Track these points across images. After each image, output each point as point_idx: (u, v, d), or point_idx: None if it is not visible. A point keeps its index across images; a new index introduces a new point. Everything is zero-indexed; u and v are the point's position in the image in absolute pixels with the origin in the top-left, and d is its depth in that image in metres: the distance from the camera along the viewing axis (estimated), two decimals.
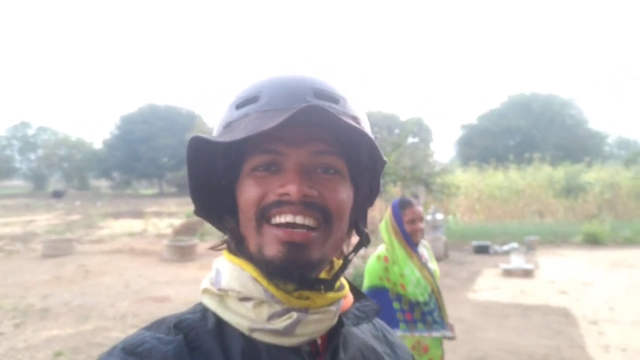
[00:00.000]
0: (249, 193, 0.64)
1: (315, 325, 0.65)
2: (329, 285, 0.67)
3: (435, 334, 2.55)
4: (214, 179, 0.69)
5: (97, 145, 46.40)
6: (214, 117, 0.70)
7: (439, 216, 10.69)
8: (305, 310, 0.64)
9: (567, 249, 11.93)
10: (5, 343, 5.28)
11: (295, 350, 0.64)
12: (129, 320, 6.11)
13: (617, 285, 7.90)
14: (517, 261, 9.25)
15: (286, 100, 0.62)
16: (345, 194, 0.66)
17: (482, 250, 11.51)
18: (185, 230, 14.28)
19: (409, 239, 2.59)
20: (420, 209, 2.62)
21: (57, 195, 34.97)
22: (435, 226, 10.53)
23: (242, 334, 0.63)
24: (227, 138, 0.60)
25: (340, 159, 0.66)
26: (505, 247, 11.39)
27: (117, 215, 20.93)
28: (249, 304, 0.64)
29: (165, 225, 16.37)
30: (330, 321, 0.67)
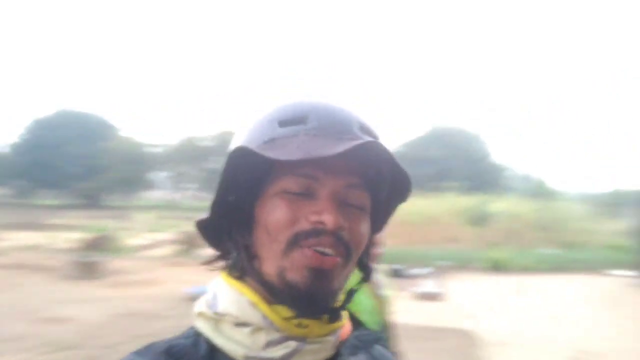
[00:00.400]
0: (279, 214, 0.62)
1: (312, 356, 0.63)
2: (335, 314, 0.66)
3: None
4: (236, 193, 0.67)
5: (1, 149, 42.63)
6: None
7: None
8: (303, 339, 0.62)
9: (475, 274, 12.61)
10: None
11: None
12: (23, 343, 5.56)
13: (521, 310, 8.46)
14: (428, 285, 9.62)
15: (336, 129, 0.62)
16: (366, 229, 0.66)
17: (395, 274, 11.85)
18: (93, 245, 13.40)
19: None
20: (383, 233, 2.56)
21: None
22: None
23: None
24: (281, 155, 0.58)
25: (367, 194, 0.67)
26: (417, 271, 11.82)
27: (12, 227, 19.19)
28: (246, 330, 0.62)
29: (68, 239, 15.24)
30: (327, 351, 0.66)
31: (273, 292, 0.63)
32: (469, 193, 21.69)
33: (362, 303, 2.64)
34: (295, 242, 0.61)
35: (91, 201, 38.50)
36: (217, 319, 0.64)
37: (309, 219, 0.61)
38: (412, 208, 19.19)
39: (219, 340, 0.63)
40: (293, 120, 0.64)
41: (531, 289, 10.51)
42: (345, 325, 0.71)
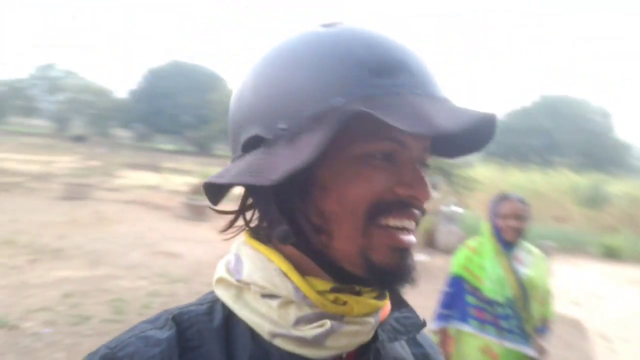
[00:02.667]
0: (363, 185, 0.51)
1: (349, 338, 0.55)
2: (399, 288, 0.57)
3: (508, 344, 2.36)
4: None
5: (121, 95, 46.63)
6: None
7: (457, 209, 10.52)
8: (340, 318, 0.54)
9: (584, 259, 11.73)
10: (19, 277, 5.33)
11: None
12: (140, 271, 6.13)
13: (633, 303, 7.74)
14: None
15: (432, 87, 0.53)
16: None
17: None
18: (201, 190, 14.31)
19: (499, 234, 2.45)
20: (520, 205, 2.43)
21: (79, 139, 35.35)
22: (451, 219, 10.39)
23: (252, 337, 0.54)
24: (402, 123, 0.46)
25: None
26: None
27: (135, 167, 21.09)
28: (274, 303, 0.54)
29: (181, 182, 16.44)
30: (366, 335, 0.57)
31: (329, 267, 0.54)
32: (583, 170, 19.93)
33: (488, 270, 2.49)
34: (375, 217, 0.52)
35: (202, 149, 41.05)
36: (240, 287, 0.56)
37: (395, 191, 0.52)
38: (516, 181, 18.15)
39: (242, 312, 0.55)
40: (390, 70, 0.51)
41: None
42: (386, 306, 0.61)
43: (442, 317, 2.61)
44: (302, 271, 0.54)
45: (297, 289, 0.53)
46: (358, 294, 0.56)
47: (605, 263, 11.45)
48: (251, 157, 0.52)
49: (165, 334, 0.52)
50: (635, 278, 9.86)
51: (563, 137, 35.57)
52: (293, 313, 0.53)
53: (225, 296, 0.57)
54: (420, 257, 8.97)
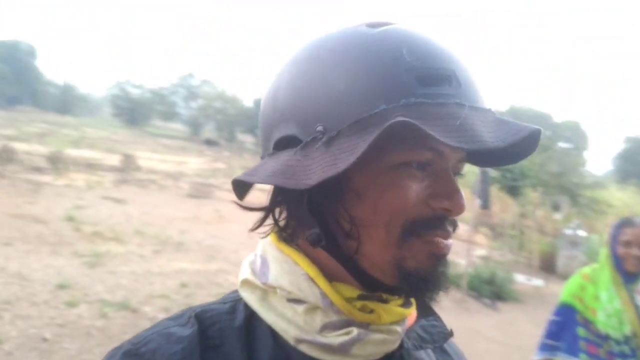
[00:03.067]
0: (400, 195, 0.50)
1: (375, 347, 0.53)
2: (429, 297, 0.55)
3: None
4: None
5: (248, 103, 49.91)
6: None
7: (581, 233, 9.63)
8: (366, 325, 0.53)
9: None
10: (144, 265, 5.99)
11: None
12: None
13: None
14: None
15: (478, 96, 0.51)
16: None
17: None
18: None
19: (619, 263, 2.24)
20: None
21: (210, 143, 38.43)
22: (573, 242, 9.53)
23: (274, 339, 0.53)
24: (446, 136, 0.44)
25: None
26: None
27: None
28: (300, 308, 0.53)
29: None
30: (393, 343, 0.55)
31: (370, 280, 0.53)
32: None
33: (604, 302, 2.32)
34: (413, 229, 0.50)
35: None
36: (265, 290, 0.55)
37: (431, 205, 0.51)
38: None
39: (268, 316, 0.54)
40: (437, 78, 0.49)
41: None
42: (412, 313, 0.59)
43: (546, 347, 2.44)
44: (329, 276, 0.53)
45: (324, 295, 0.52)
46: (385, 301, 0.54)
47: None
48: (285, 157, 0.51)
49: (187, 331, 0.52)
50: None
51: None
52: (319, 319, 0.52)
53: (251, 299, 0.56)
54: (535, 282, 8.36)
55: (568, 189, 9.84)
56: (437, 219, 0.51)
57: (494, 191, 9.41)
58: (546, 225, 10.65)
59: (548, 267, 9.57)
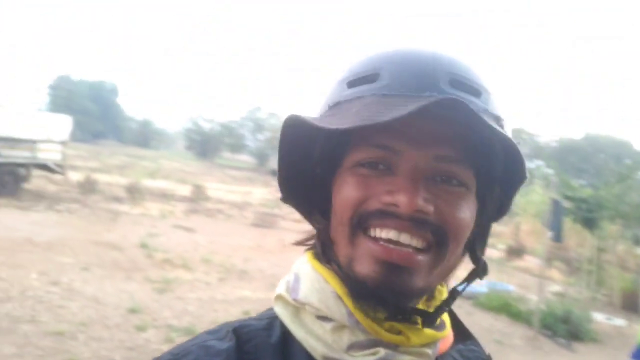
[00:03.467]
0: (346, 192, 0.52)
1: None
2: (430, 319, 0.54)
3: None
4: (309, 165, 0.58)
5: None
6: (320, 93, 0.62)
7: None
8: (395, 347, 0.52)
9: None
10: (209, 292, 6.17)
11: None
12: None
13: None
14: None
15: (414, 86, 0.50)
16: (468, 212, 0.53)
17: None
18: None
19: None
20: None
21: (275, 174, 39.40)
22: None
23: (307, 356, 0.53)
24: (332, 123, 0.49)
25: (468, 168, 0.52)
26: None
27: None
28: (328, 326, 0.53)
29: None
30: None
31: (347, 285, 0.53)
32: None
33: None
34: (359, 226, 0.51)
35: None
36: (297, 306, 0.56)
37: (380, 199, 0.50)
38: None
39: (298, 332, 0.54)
40: (363, 79, 0.53)
41: None
42: (447, 336, 0.57)
43: None
44: (357, 296, 0.53)
45: (350, 314, 0.52)
46: (414, 324, 0.54)
47: None
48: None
49: (225, 344, 0.53)
50: None
51: None
52: (347, 338, 0.52)
53: (283, 314, 0.57)
54: (616, 321, 7.73)
55: None
56: (383, 212, 0.50)
57: (568, 223, 8.88)
58: (628, 261, 9.88)
59: (630, 305, 8.82)
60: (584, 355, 5.84)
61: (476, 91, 0.52)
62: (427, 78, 0.51)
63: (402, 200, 0.48)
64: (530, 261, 11.91)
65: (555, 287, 8.97)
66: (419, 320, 0.54)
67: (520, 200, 17.71)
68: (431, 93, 0.49)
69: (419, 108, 0.44)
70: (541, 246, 8.09)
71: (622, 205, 8.88)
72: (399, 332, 0.53)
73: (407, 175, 0.50)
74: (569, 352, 6.07)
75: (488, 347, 0.62)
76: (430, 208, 0.49)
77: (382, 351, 0.51)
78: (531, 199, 15.74)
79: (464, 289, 0.59)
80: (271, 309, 0.60)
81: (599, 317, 7.13)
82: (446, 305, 0.57)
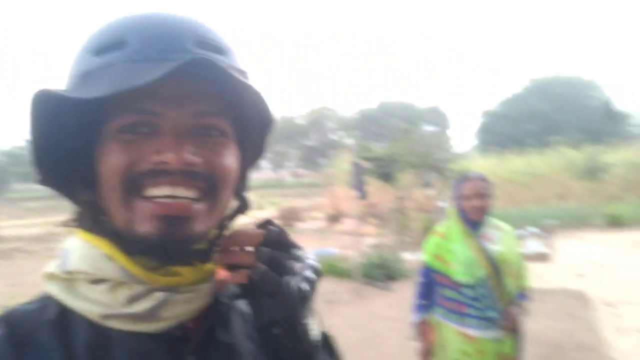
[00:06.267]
0: (113, 160, 0.53)
1: (185, 305, 0.55)
2: (204, 256, 0.58)
3: (472, 332, 2.33)
4: (65, 140, 0.57)
5: None
6: (67, 65, 0.59)
7: None
8: (173, 288, 0.55)
9: (588, 231, 11.61)
10: None
11: (159, 337, 0.54)
12: None
13: (637, 267, 7.62)
14: (533, 245, 9.01)
15: (162, 48, 0.52)
16: (232, 159, 0.58)
17: None
18: None
19: (464, 216, 2.42)
20: (481, 183, 2.40)
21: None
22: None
23: (91, 324, 0.53)
24: (87, 93, 0.49)
25: (226, 119, 0.57)
26: (524, 232, 11.10)
27: None
28: (103, 287, 0.53)
29: None
30: (202, 300, 0.58)
31: (128, 245, 0.54)
32: (582, 146, 19.78)
33: (458, 253, 2.44)
34: (131, 188, 0.53)
35: None
36: (69, 278, 0.55)
37: (149, 160, 0.52)
38: (515, 168, 18.05)
39: (73, 303, 0.54)
40: (110, 46, 0.53)
41: None
42: (221, 272, 0.61)
43: (420, 308, 2.55)
44: (129, 252, 0.54)
45: (124, 269, 0.53)
46: (188, 264, 0.56)
47: (609, 232, 11.32)
48: None
49: None
50: (638, 242, 9.73)
51: (558, 117, 35.42)
52: (124, 293, 0.53)
53: (55, 290, 0.55)
54: (420, 256, 8.87)
55: (434, 166, 10.65)
56: (154, 171, 0.52)
57: (370, 181, 9.86)
58: (424, 203, 11.39)
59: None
60: (399, 291, 6.59)
61: (221, 50, 0.57)
62: (175, 40, 0.53)
63: (170, 157, 0.51)
64: (348, 223, 12.96)
65: (371, 240, 9.92)
66: (195, 260, 0.57)
67: (332, 170, 19.12)
68: (180, 55, 0.52)
69: (170, 70, 0.47)
70: (355, 208, 8.85)
71: (410, 157, 10.19)
72: (175, 274, 0.55)
73: (171, 134, 0.53)
74: (388, 292, 6.80)
75: (320, 308, 0.64)
76: (198, 160, 0.53)
77: (160, 295, 0.53)
78: (341, 167, 17.00)
79: (230, 222, 0.63)
80: (43, 293, 0.58)
81: (407, 256, 8.08)
82: (218, 239, 0.60)
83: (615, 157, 17.66)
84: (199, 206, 0.54)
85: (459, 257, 2.39)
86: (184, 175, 0.52)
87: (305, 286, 0.55)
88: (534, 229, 10.71)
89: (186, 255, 0.56)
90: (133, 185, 0.52)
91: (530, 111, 36.26)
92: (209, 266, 0.58)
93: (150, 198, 0.52)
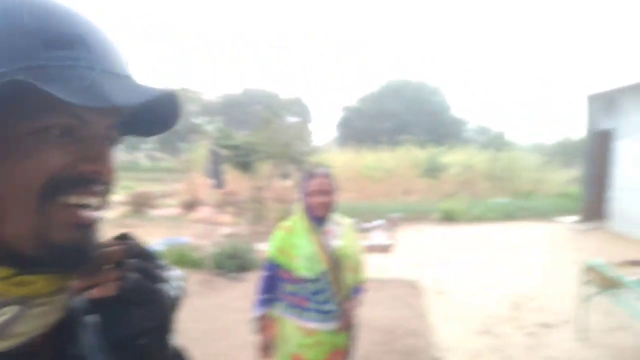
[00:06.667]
0: (39, 161, 0.49)
1: (38, 320, 0.52)
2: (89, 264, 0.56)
3: (310, 324, 2.42)
4: None
5: None
6: None
7: None
8: (26, 300, 0.51)
9: (427, 225, 12.82)
10: None
11: (4, 355, 0.51)
12: None
13: (466, 259, 8.61)
14: (377, 237, 9.68)
15: (116, 62, 0.53)
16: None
17: None
18: None
19: (310, 211, 2.46)
20: (325, 180, 2.47)
21: None
22: None
23: None
24: (72, 96, 0.45)
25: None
26: (370, 225, 11.88)
27: None
28: None
29: None
30: (56, 313, 0.55)
31: (18, 258, 0.51)
32: (427, 146, 21.83)
33: (301, 248, 2.47)
34: (52, 194, 0.50)
35: None
36: None
37: (76, 168, 0.51)
38: (370, 163, 19.25)
39: None
40: (65, 42, 0.49)
41: (479, 238, 10.77)
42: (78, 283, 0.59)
43: (262, 302, 2.57)
44: None
45: None
46: (44, 273, 0.53)
47: (444, 226, 12.66)
48: None
49: None
50: (469, 236, 11.05)
51: (409, 118, 38.59)
52: None
53: None
54: (263, 247, 8.97)
55: (294, 158, 10.82)
56: (83, 180, 0.51)
57: (229, 170, 9.69)
58: (283, 194, 11.56)
59: None
60: (249, 282, 6.57)
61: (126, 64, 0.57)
62: (120, 54, 0.55)
63: (103, 168, 0.53)
64: (204, 212, 12.62)
65: (226, 230, 9.78)
66: (55, 270, 0.54)
67: (191, 155, 18.44)
68: (127, 72, 0.55)
69: (159, 93, 0.51)
70: (212, 196, 8.61)
71: (270, 147, 10.22)
72: (29, 284, 0.52)
73: (96, 143, 0.53)
74: (238, 282, 6.76)
75: None
76: (108, 170, 0.54)
77: (12, 309, 0.50)
78: (201, 153, 16.49)
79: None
80: None
81: (261, 246, 8.11)
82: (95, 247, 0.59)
83: (452, 158, 19.81)
84: (99, 214, 0.55)
85: (302, 252, 2.46)
86: (96, 185, 0.53)
87: (175, 293, 0.58)
88: (381, 222, 11.52)
89: (84, 263, 0.54)
90: (53, 190, 0.50)
91: (386, 110, 38.95)
92: (63, 277, 0.55)
93: (69, 205, 0.51)
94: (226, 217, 11.54)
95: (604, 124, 11.44)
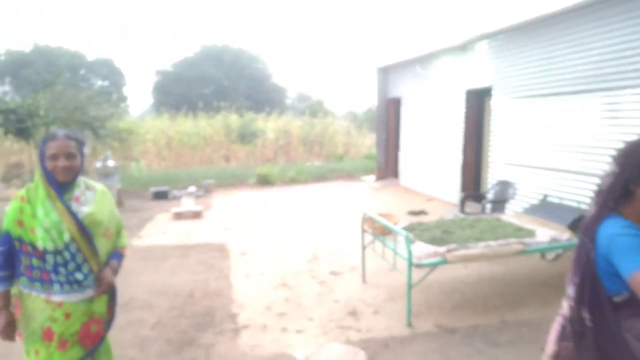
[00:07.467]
0: None
1: None
2: None
3: (55, 298, 2.23)
4: None
5: None
6: None
7: (111, 163, 9.92)
8: None
9: (242, 189, 12.93)
10: None
11: None
12: None
13: (273, 220, 8.88)
14: (187, 204, 9.41)
15: None
16: None
17: (160, 196, 11.35)
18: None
19: (50, 177, 2.21)
20: (68, 142, 2.23)
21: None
22: (106, 174, 9.74)
23: None
24: None
25: None
26: (183, 192, 11.52)
27: None
28: None
29: None
30: None
31: None
32: (246, 113, 21.85)
33: (41, 218, 2.17)
34: None
35: None
36: None
37: None
38: (185, 129, 18.55)
39: None
40: None
41: (289, 199, 11.24)
42: None
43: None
44: None
45: None
46: None
47: (259, 189, 12.92)
48: None
49: None
50: (280, 197, 11.45)
51: (228, 84, 38.08)
52: None
53: None
54: None
55: (89, 124, 9.75)
56: None
57: (2, 137, 8.32)
58: None
59: None
60: None
61: None
62: None
63: None
64: None
65: None
66: None
67: None
68: None
69: None
70: None
71: (56, 112, 9.01)
72: None
73: None
74: None
75: None
76: None
77: None
78: None
79: None
80: None
81: None
82: None
83: (270, 124, 20.21)
84: None
85: (42, 222, 2.21)
86: None
87: None
88: (193, 189, 11.22)
89: None
90: None
91: (204, 75, 37.79)
92: None
93: None
94: (13, 191, 10.04)
95: (392, 93, 12.78)
